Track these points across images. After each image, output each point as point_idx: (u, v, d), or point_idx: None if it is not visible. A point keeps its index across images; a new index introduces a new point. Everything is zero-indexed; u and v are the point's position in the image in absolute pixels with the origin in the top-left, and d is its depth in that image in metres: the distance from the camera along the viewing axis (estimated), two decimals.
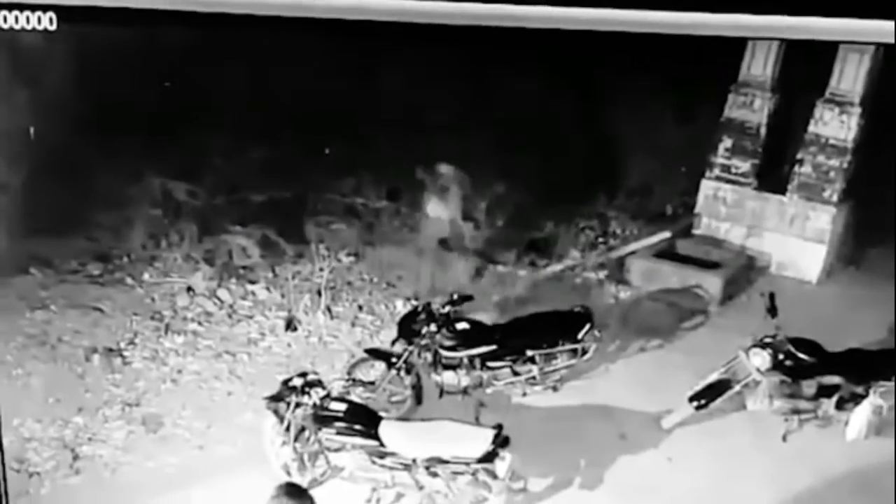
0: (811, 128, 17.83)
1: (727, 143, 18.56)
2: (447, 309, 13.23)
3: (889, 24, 8.19)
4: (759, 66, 18.05)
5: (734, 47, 17.69)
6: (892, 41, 8.23)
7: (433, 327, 12.99)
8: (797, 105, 18.06)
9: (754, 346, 12.84)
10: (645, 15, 8.42)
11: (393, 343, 13.31)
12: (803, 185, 17.87)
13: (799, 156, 17.94)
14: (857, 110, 17.37)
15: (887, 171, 17.39)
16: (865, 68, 17.09)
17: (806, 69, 17.42)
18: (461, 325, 13.33)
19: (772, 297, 13.23)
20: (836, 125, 17.53)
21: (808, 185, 17.83)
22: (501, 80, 18.54)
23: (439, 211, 16.12)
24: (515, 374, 13.44)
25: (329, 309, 15.30)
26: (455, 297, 13.53)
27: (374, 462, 11.08)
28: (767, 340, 12.82)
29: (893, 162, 17.23)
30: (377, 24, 8.57)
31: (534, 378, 13.46)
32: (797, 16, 8.27)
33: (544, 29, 8.54)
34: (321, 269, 15.68)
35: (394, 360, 12.88)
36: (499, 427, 10.90)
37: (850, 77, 17.22)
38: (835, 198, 17.68)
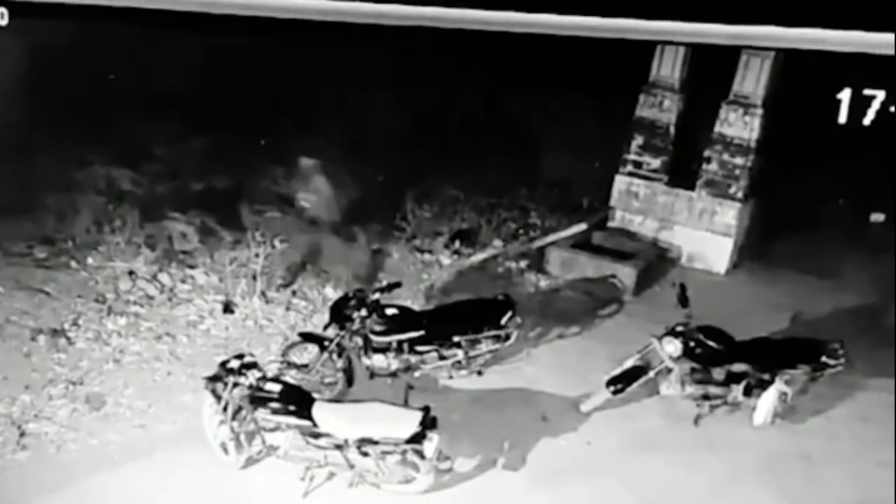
0: (717, 128, 17.89)
1: (639, 140, 18.55)
2: (377, 295, 13.15)
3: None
4: (668, 68, 18.05)
5: (645, 49, 17.65)
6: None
7: (364, 313, 12.90)
8: (704, 106, 18.03)
9: (667, 334, 12.86)
10: (564, 19, 8.32)
11: (325, 327, 13.18)
12: (710, 181, 17.91)
13: (706, 154, 17.94)
14: (760, 112, 17.41)
15: (789, 169, 17.48)
16: (767, 72, 17.10)
17: (711, 72, 17.41)
18: (390, 311, 13.28)
19: (682, 287, 13.28)
20: (740, 126, 17.59)
21: (715, 182, 17.86)
22: (428, 79, 18.44)
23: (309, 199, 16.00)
24: (442, 358, 13.39)
25: (265, 293, 15.13)
26: (384, 283, 13.48)
27: (307, 442, 11.02)
28: (679, 329, 12.84)
29: (794, 160, 17.31)
30: (309, 22, 8.45)
31: (459, 362, 13.44)
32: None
33: (467, 30, 8.44)
34: (257, 255, 15.47)
35: (326, 343, 12.83)
36: (426, 409, 10.83)
37: (753, 80, 17.28)
38: (740, 194, 17.74)
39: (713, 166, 17.88)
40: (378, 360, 13.19)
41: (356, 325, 12.94)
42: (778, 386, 12.66)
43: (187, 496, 11.03)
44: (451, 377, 13.50)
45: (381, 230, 17.54)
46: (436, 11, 8.35)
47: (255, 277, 15.21)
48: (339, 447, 10.88)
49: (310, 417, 10.92)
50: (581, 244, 17.82)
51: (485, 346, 13.53)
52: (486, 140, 19.66)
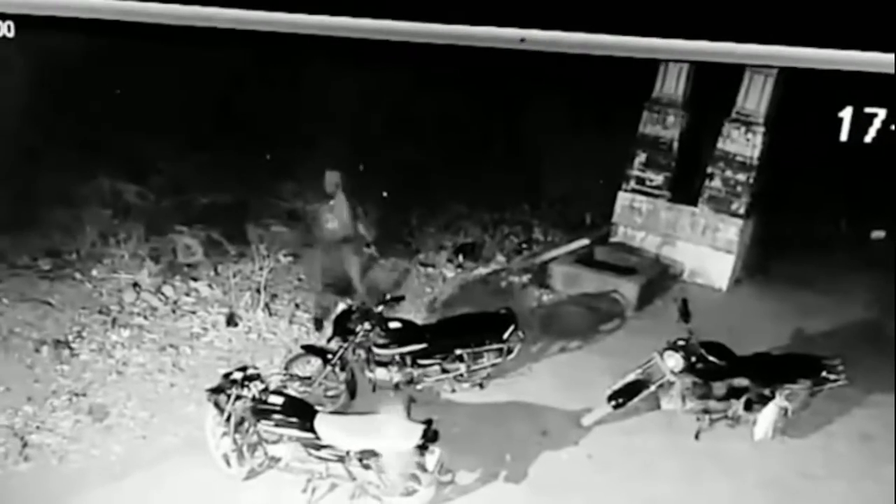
0: (719, 144, 17.83)
1: (642, 157, 18.53)
2: (380, 308, 13.11)
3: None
4: (671, 85, 18.03)
5: (649, 67, 17.62)
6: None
7: (367, 326, 12.87)
8: (707, 123, 18.01)
9: (668, 348, 12.79)
10: (568, 36, 8.31)
11: (329, 340, 13.22)
12: (713, 198, 17.86)
13: (709, 170, 17.89)
14: (762, 129, 17.34)
15: (790, 186, 17.46)
16: (769, 90, 17.06)
17: (714, 89, 17.38)
18: (394, 325, 13.26)
19: (684, 302, 13.21)
20: (743, 142, 17.54)
21: (717, 198, 17.82)
22: (432, 96, 18.47)
23: (332, 215, 15.80)
24: (444, 371, 13.39)
25: (268, 306, 15.09)
26: (388, 297, 13.44)
27: (309, 453, 10.97)
28: (680, 343, 12.77)
29: (796, 177, 17.29)
30: (315, 38, 8.44)
31: (462, 375, 13.43)
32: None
33: (472, 46, 8.44)
34: (261, 269, 15.46)
35: (329, 356, 12.80)
36: (428, 422, 10.77)
37: (755, 98, 17.24)
38: (742, 210, 17.67)
39: (716, 183, 17.85)
40: (381, 373, 13.19)
41: (359, 338, 12.91)
42: (778, 401, 12.62)
43: None
44: (453, 390, 13.47)
45: (385, 244, 17.52)
46: (441, 28, 8.35)
47: (258, 290, 15.20)
48: (341, 459, 10.83)
49: (312, 429, 10.88)
50: (584, 259, 17.78)
51: (487, 360, 13.53)
52: (490, 156, 19.67)
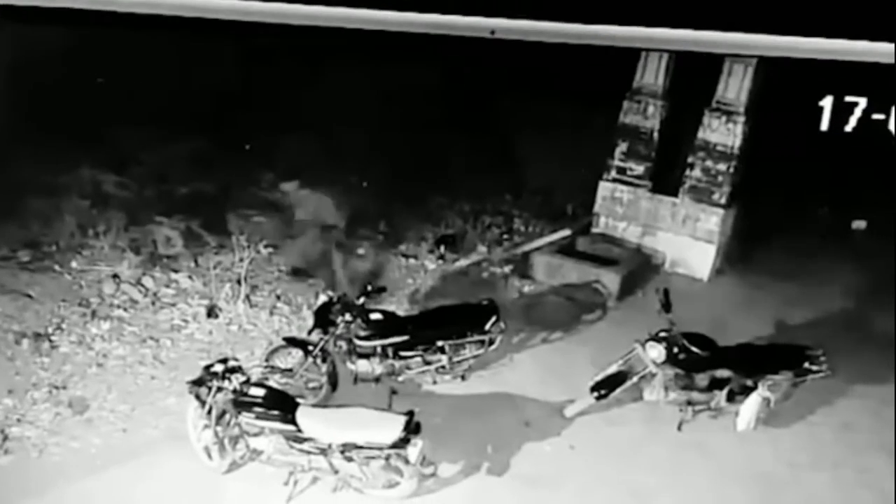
0: (700, 134, 17.72)
1: (623, 147, 18.41)
2: (361, 300, 13.04)
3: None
4: (652, 75, 17.93)
5: (630, 57, 17.54)
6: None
7: (348, 317, 12.81)
8: (687, 112, 17.92)
9: (650, 339, 12.77)
10: (548, 26, 8.24)
11: (310, 332, 13.16)
12: (694, 187, 17.78)
13: (689, 160, 17.80)
14: (742, 119, 17.27)
15: (771, 175, 17.42)
16: (749, 79, 17.00)
17: (694, 79, 17.31)
18: (375, 316, 13.21)
19: (666, 293, 13.16)
20: (723, 132, 17.45)
21: (698, 188, 17.74)
22: (413, 86, 18.37)
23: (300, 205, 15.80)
24: (426, 363, 13.34)
25: (249, 298, 15.00)
26: (369, 288, 13.34)
27: (291, 446, 10.96)
28: (662, 334, 12.75)
29: (777, 167, 17.26)
30: (290, 27, 8.37)
31: (443, 367, 13.39)
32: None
33: (452, 36, 8.36)
34: (241, 260, 15.37)
35: (310, 348, 12.73)
36: (410, 414, 10.78)
37: (735, 87, 17.16)
38: (723, 200, 17.59)
39: (696, 173, 17.77)
40: (362, 365, 13.12)
41: (341, 330, 12.86)
42: (761, 392, 12.60)
43: (170, 500, 10.97)
44: (434, 382, 13.43)
45: (365, 235, 17.45)
46: (421, 18, 8.28)
47: (239, 282, 15.12)
48: (322, 452, 10.82)
49: (294, 422, 10.87)
50: (565, 250, 17.73)
51: (469, 351, 13.48)
52: (471, 146, 19.59)
